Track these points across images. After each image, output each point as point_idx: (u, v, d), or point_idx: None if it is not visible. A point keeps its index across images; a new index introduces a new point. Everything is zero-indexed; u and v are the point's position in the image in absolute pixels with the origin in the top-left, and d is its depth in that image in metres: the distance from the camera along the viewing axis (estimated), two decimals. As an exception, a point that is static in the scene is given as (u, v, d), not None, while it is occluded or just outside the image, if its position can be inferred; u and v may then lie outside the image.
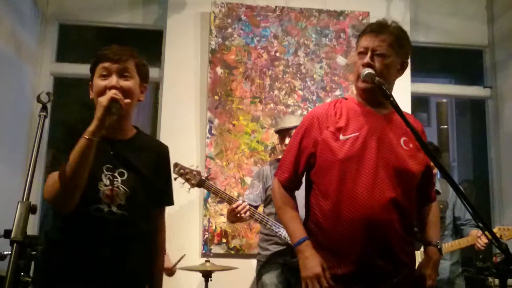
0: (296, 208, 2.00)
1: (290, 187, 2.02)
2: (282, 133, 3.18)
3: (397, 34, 1.89)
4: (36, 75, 4.17)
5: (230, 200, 3.02)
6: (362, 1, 4.23)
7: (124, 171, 1.76)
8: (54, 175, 1.64)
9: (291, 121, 3.15)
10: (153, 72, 4.30)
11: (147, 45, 4.58)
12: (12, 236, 1.25)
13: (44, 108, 1.56)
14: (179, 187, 3.36)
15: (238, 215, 2.95)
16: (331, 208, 1.84)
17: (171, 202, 2.01)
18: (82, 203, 1.65)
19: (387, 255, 1.82)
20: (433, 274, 1.93)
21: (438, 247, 1.97)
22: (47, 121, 1.60)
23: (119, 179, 1.74)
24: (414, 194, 1.92)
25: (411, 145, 1.89)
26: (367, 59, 1.85)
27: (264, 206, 3.16)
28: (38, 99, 1.58)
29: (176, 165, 3.07)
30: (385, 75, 1.85)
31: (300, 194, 2.06)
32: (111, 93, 1.66)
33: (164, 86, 4.02)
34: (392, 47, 1.86)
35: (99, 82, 1.76)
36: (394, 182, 1.82)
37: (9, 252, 3.02)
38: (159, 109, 4.11)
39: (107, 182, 1.72)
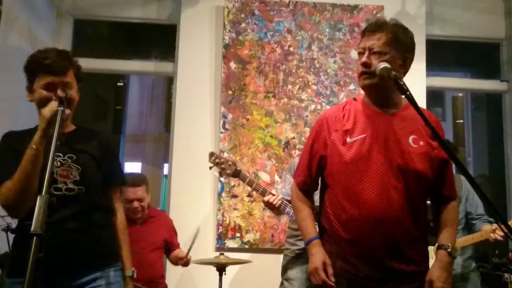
0: (311, 207, 2.06)
1: (305, 189, 2.08)
2: None
3: (393, 30, 1.90)
4: (51, 70, 4.21)
5: (263, 192, 3.01)
6: (376, -5, 4.20)
7: (73, 155, 1.92)
8: (6, 184, 1.76)
9: None
10: (167, 67, 4.35)
11: (161, 40, 4.60)
12: (32, 229, 1.27)
13: (61, 102, 1.59)
14: (193, 175, 3.35)
15: (271, 206, 2.95)
16: (341, 209, 1.88)
17: (122, 182, 2.19)
18: (41, 186, 1.74)
19: (397, 254, 1.82)
20: (442, 276, 1.86)
21: (449, 250, 1.89)
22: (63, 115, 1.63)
23: (70, 160, 1.90)
24: (425, 193, 1.91)
25: (421, 143, 1.87)
26: (364, 58, 1.88)
27: None
28: (55, 94, 1.60)
29: (212, 154, 3.07)
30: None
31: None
32: (54, 106, 1.73)
33: (178, 80, 4.03)
34: (388, 44, 1.87)
35: (42, 93, 1.88)
36: (401, 182, 1.83)
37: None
38: (173, 104, 4.13)
39: (58, 164, 1.87)
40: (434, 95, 6.36)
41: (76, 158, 1.91)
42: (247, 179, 3.05)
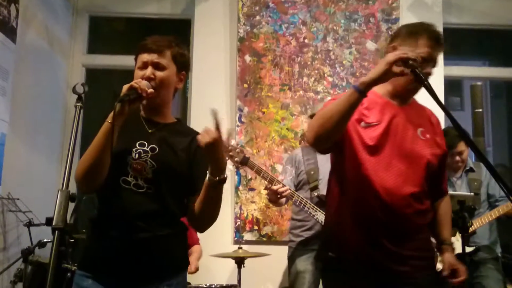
0: None
1: None
2: None
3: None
4: (68, 67, 4.26)
5: (272, 180, 3.00)
6: (392, -16, 4.14)
7: (156, 147, 1.81)
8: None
9: None
10: (182, 62, 4.35)
11: (175, 35, 4.60)
12: (53, 223, 1.30)
13: (79, 99, 1.60)
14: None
15: (279, 196, 2.94)
16: (349, 190, 1.91)
17: None
18: (112, 175, 1.73)
19: (402, 243, 1.85)
20: (459, 264, 2.00)
21: (453, 247, 2.06)
22: (82, 111, 1.64)
23: (149, 153, 1.79)
24: (427, 185, 1.94)
25: (428, 136, 1.94)
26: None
27: (296, 191, 3.16)
28: (74, 91, 1.61)
29: None
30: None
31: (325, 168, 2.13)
32: (133, 82, 1.73)
33: (193, 75, 4.04)
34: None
35: (137, 73, 1.86)
36: (410, 168, 1.86)
37: (49, 240, 3.12)
38: (188, 98, 4.14)
39: (136, 156, 1.77)
40: (452, 84, 6.28)
41: (157, 152, 1.79)
42: (255, 167, 3.04)
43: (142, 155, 1.78)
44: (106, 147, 1.66)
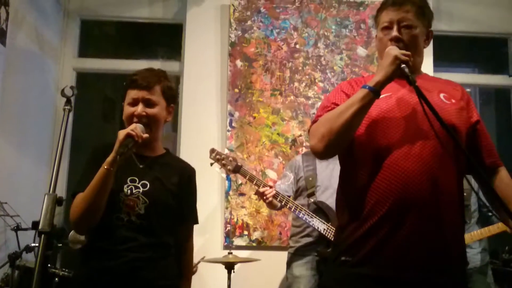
0: None
1: None
2: None
3: (419, 3, 1.76)
4: (58, 71, 4.24)
5: (265, 187, 3.02)
6: (382, -9, 4.17)
7: (147, 183, 1.85)
8: (78, 197, 1.76)
9: None
10: (173, 66, 4.35)
11: (167, 39, 4.61)
12: (40, 227, 1.29)
13: (68, 102, 1.60)
14: (200, 173, 3.38)
15: (265, 197, 2.96)
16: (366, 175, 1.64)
17: (194, 221, 2.09)
18: (105, 212, 1.76)
19: (434, 233, 1.56)
20: None
21: None
22: (70, 114, 1.64)
23: (141, 189, 1.83)
24: (461, 163, 1.67)
25: (453, 101, 1.69)
26: (394, 32, 1.71)
27: (295, 198, 3.16)
28: (62, 93, 1.61)
29: (212, 150, 3.10)
30: (415, 47, 1.71)
31: (335, 173, 2.01)
32: (129, 128, 1.75)
33: (185, 79, 4.03)
34: (417, 17, 1.73)
35: (128, 109, 1.90)
36: (437, 139, 1.57)
37: (37, 244, 3.09)
38: (179, 103, 4.13)
39: (128, 193, 1.81)
40: (442, 91, 6.28)
41: (149, 188, 1.84)
42: (248, 175, 3.06)
43: (134, 191, 1.82)
44: (103, 192, 1.70)
